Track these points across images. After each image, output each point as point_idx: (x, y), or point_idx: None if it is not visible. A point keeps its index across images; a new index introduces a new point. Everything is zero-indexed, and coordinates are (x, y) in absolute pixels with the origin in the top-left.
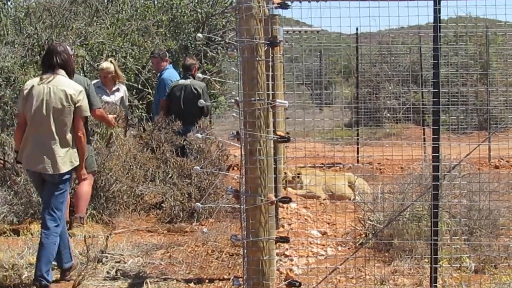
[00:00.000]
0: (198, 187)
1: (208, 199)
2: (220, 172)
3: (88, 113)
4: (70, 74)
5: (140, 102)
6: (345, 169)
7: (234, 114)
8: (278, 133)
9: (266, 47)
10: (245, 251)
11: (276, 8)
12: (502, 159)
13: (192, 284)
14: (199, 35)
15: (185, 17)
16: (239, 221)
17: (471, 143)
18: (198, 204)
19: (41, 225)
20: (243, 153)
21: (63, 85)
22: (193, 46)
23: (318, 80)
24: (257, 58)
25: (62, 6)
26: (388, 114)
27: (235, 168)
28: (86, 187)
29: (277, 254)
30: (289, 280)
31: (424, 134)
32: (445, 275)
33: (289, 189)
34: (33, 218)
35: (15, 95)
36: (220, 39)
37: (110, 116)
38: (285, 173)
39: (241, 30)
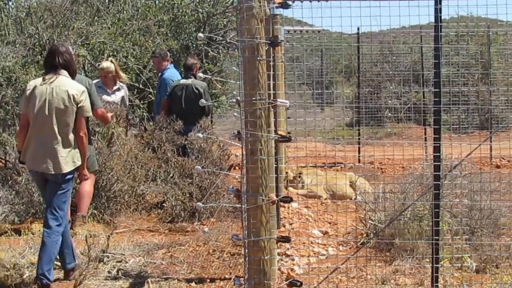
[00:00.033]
0: (200, 187)
1: (209, 199)
2: (222, 172)
3: (90, 114)
4: (72, 74)
5: (142, 102)
6: (346, 169)
7: (236, 114)
8: (279, 132)
9: (267, 47)
10: (246, 250)
11: (277, 7)
12: (503, 158)
13: (193, 284)
14: (200, 34)
15: (186, 16)
16: (240, 220)
17: (472, 143)
18: (200, 203)
19: (43, 224)
20: (244, 152)
21: (66, 86)
22: (194, 45)
23: (319, 79)
24: (258, 58)
25: (63, 6)
26: (390, 114)
27: (236, 167)
28: (88, 187)
29: (278, 254)
30: (290, 280)
31: (425, 134)
32: (447, 275)
33: (291, 188)
34: (35, 217)
35: (17, 95)
36: (221, 38)
37: (108, 114)
38: (286, 172)
39: (242, 30)
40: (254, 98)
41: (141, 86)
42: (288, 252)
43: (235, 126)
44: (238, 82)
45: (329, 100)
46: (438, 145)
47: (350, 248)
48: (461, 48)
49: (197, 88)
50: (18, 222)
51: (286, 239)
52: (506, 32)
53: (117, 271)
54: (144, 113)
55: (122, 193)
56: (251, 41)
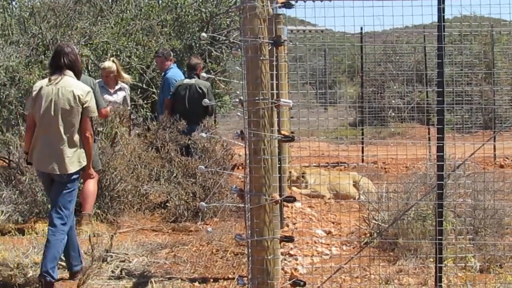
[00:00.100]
0: (203, 187)
1: (212, 199)
2: (225, 172)
3: (95, 114)
4: (77, 75)
5: (145, 102)
6: (350, 169)
7: (239, 114)
8: (283, 132)
9: (270, 47)
10: (250, 250)
11: (280, 7)
12: (507, 158)
13: (196, 283)
14: (204, 34)
15: (189, 16)
16: (243, 220)
17: (476, 142)
18: (203, 203)
19: (48, 223)
20: (247, 152)
21: (71, 86)
22: (197, 45)
23: (322, 79)
24: (261, 58)
25: (67, 6)
26: (393, 114)
27: (240, 167)
28: (92, 186)
29: (282, 254)
30: (293, 280)
31: (429, 133)
32: (450, 275)
33: (294, 188)
34: (38, 217)
35: (20, 95)
36: (224, 38)
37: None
38: (290, 172)
39: (245, 30)
40: (257, 98)
41: (144, 86)
42: (291, 252)
43: (238, 125)
44: (241, 82)
45: (332, 100)
46: (442, 144)
47: (353, 248)
48: (464, 48)
49: (200, 88)
50: (22, 222)
51: (290, 239)
52: (510, 31)
53: (121, 271)
54: (147, 113)
55: (125, 193)
56: (254, 41)
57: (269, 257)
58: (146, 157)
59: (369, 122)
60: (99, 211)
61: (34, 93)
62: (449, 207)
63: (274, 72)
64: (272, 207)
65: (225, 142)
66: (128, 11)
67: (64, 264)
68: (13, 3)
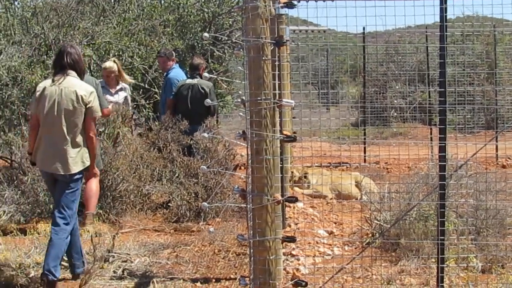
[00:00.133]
0: (205, 187)
1: (214, 199)
2: (227, 172)
3: (99, 114)
4: (80, 75)
5: (147, 102)
6: (352, 169)
7: (241, 114)
8: (285, 132)
9: (272, 47)
10: (252, 250)
11: (282, 7)
12: (509, 158)
13: (198, 284)
14: (206, 34)
15: (191, 16)
16: (245, 220)
17: (478, 143)
18: (205, 203)
19: (52, 223)
20: (249, 152)
21: (74, 86)
22: (199, 45)
23: (325, 79)
24: (263, 58)
25: (69, 6)
26: (395, 114)
27: (242, 167)
28: (94, 186)
29: (284, 254)
30: (295, 280)
31: (431, 134)
32: (452, 275)
33: (296, 188)
34: (40, 217)
35: (22, 95)
36: (226, 38)
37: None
38: (292, 172)
39: (247, 30)
40: (259, 98)
41: (146, 86)
42: (293, 252)
43: (240, 126)
44: (243, 82)
45: (334, 100)
46: (444, 145)
47: (355, 248)
48: (466, 48)
49: (203, 88)
50: (24, 222)
51: (292, 239)
52: None
53: (123, 271)
54: (149, 113)
55: (127, 193)
56: (256, 41)
57: (271, 257)
58: (148, 157)
59: (371, 122)
60: (101, 211)
61: (37, 93)
62: (451, 208)
63: (276, 72)
64: (274, 207)
65: (227, 142)
66: (130, 11)
67: (66, 264)
68: (16, 3)
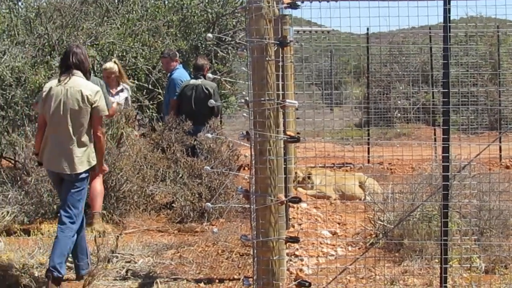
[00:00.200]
0: (209, 187)
1: (218, 199)
2: (231, 172)
3: (106, 113)
4: (86, 74)
5: (151, 102)
6: (356, 169)
7: (245, 114)
8: (288, 133)
9: (276, 47)
10: (255, 251)
11: (286, 8)
12: None
13: (202, 284)
14: (209, 35)
15: (195, 17)
16: (249, 221)
17: (482, 143)
18: (209, 204)
19: (58, 222)
20: (253, 153)
21: (80, 86)
22: (203, 46)
23: (328, 80)
24: (267, 58)
25: (73, 6)
26: (399, 114)
27: (246, 168)
28: (98, 186)
29: (287, 254)
30: (299, 280)
31: (434, 134)
32: (455, 276)
33: (300, 189)
34: (44, 218)
35: (26, 95)
36: (230, 39)
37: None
38: (296, 173)
39: (251, 30)
40: (263, 99)
41: (150, 86)
42: (297, 253)
43: (244, 126)
44: (247, 83)
45: (338, 101)
46: (447, 145)
47: (359, 249)
48: (470, 49)
49: (207, 88)
50: (28, 223)
51: (295, 240)
52: None
53: (126, 272)
54: (153, 114)
55: (131, 194)
56: (260, 41)
57: (274, 258)
58: (152, 158)
59: (375, 123)
60: (105, 211)
61: (44, 93)
62: (454, 208)
63: (280, 73)
64: (277, 207)
65: (231, 143)
66: (134, 12)
67: (70, 265)
68: (19, 3)
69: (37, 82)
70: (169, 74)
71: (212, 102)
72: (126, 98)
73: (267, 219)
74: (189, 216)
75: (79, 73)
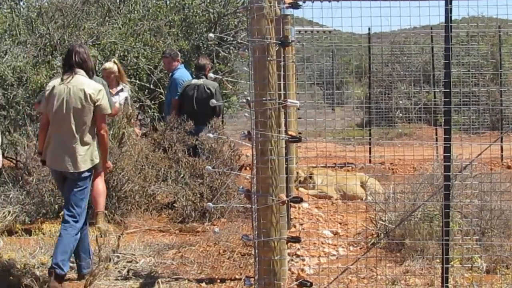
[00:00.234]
0: (210, 187)
1: (220, 199)
2: (232, 172)
3: (109, 111)
4: (88, 73)
5: (153, 102)
6: (357, 169)
7: (246, 114)
8: (290, 133)
9: (277, 47)
10: (257, 251)
11: (287, 8)
12: None
13: (203, 284)
14: (211, 35)
15: (197, 17)
16: (250, 221)
17: (483, 143)
18: (210, 204)
19: (61, 221)
20: (254, 153)
21: (82, 85)
22: (205, 46)
23: (330, 80)
24: (268, 58)
25: (74, 6)
26: (400, 114)
27: (247, 168)
28: (101, 186)
29: (289, 254)
30: (300, 280)
31: (436, 134)
32: (457, 275)
33: (301, 189)
34: (45, 218)
35: (27, 95)
36: (232, 39)
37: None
38: (297, 173)
39: (252, 30)
40: (264, 99)
41: (152, 86)
42: (298, 253)
43: (246, 126)
44: (248, 83)
45: (339, 101)
46: (449, 145)
47: (360, 249)
48: (472, 49)
49: (208, 88)
50: (29, 222)
51: (297, 240)
52: None
53: (128, 271)
54: (155, 113)
55: (132, 193)
56: (261, 41)
57: (276, 258)
58: (154, 158)
59: (376, 123)
60: (106, 211)
61: (47, 92)
62: (456, 208)
63: (282, 73)
64: (279, 207)
65: (232, 143)
66: (135, 12)
67: (72, 265)
68: (21, 3)
69: (39, 82)
70: (170, 74)
71: (213, 102)
72: (126, 98)
73: (269, 219)
74: (190, 216)
75: (81, 72)
